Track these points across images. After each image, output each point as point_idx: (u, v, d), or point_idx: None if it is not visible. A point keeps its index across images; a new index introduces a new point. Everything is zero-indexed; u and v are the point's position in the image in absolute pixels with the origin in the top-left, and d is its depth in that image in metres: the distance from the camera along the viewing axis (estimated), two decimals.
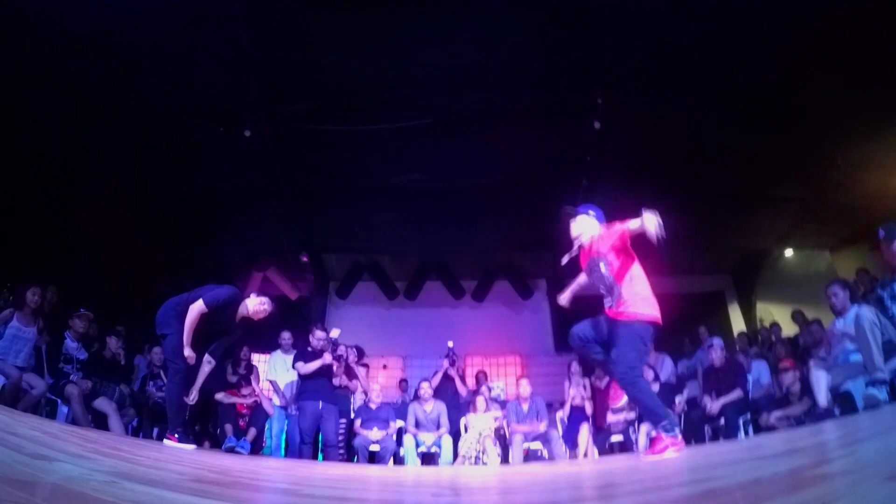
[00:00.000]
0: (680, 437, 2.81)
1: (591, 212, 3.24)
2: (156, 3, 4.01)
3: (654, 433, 2.60)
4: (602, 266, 3.01)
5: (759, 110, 5.07)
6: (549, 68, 4.78)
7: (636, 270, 3.02)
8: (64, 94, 4.62)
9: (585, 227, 3.19)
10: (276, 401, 5.58)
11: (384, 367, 8.35)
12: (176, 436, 3.61)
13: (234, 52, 4.48)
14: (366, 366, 6.66)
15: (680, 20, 4.29)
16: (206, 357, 3.94)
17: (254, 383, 5.66)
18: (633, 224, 2.80)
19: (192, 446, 3.67)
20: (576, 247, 3.21)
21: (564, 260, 3.25)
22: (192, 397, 3.89)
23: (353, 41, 4.47)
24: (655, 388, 5.76)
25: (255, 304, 4.02)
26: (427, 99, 5.10)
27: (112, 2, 3.94)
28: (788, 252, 8.10)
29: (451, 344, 6.50)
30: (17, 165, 5.18)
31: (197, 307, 3.74)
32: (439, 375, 6.34)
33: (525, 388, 5.82)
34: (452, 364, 6.40)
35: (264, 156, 5.64)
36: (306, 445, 4.94)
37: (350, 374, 5.69)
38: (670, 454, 2.68)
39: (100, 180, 5.80)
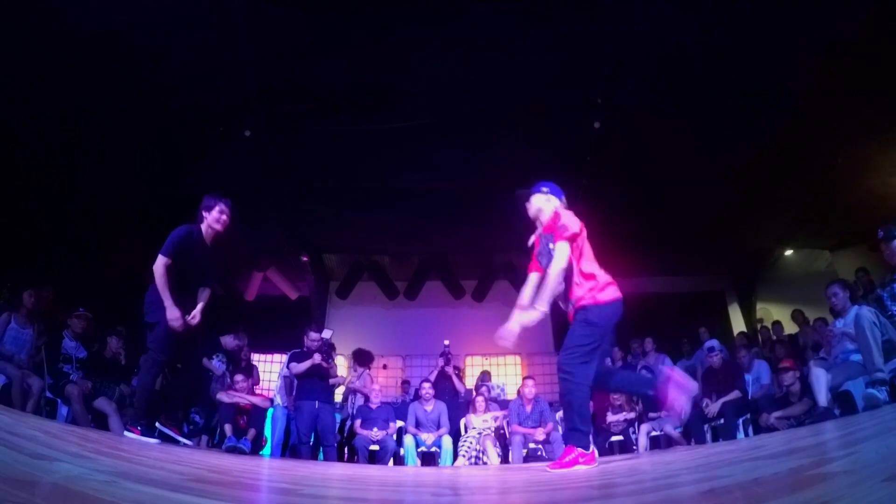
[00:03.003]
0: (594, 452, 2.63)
1: (544, 189, 3.02)
2: (156, 4, 4.01)
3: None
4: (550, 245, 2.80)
5: (759, 110, 5.07)
6: (549, 68, 4.78)
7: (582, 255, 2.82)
8: (64, 93, 4.62)
9: (542, 204, 2.96)
10: (279, 399, 5.57)
11: (384, 367, 8.36)
12: (139, 428, 3.52)
13: (234, 53, 4.48)
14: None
15: (680, 20, 4.29)
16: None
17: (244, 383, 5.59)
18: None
19: (154, 440, 3.58)
20: (539, 228, 3.01)
21: (531, 240, 3.06)
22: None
23: (353, 42, 4.46)
24: None
25: (213, 215, 3.76)
26: (427, 99, 5.10)
27: (112, 2, 3.95)
28: (788, 252, 8.11)
29: (446, 342, 6.57)
30: (17, 165, 5.18)
31: (159, 263, 3.61)
32: (435, 373, 6.37)
33: (530, 388, 5.79)
34: (448, 363, 6.44)
35: (264, 156, 5.64)
36: (304, 445, 4.95)
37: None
38: (580, 468, 2.48)
39: (99, 180, 5.81)
